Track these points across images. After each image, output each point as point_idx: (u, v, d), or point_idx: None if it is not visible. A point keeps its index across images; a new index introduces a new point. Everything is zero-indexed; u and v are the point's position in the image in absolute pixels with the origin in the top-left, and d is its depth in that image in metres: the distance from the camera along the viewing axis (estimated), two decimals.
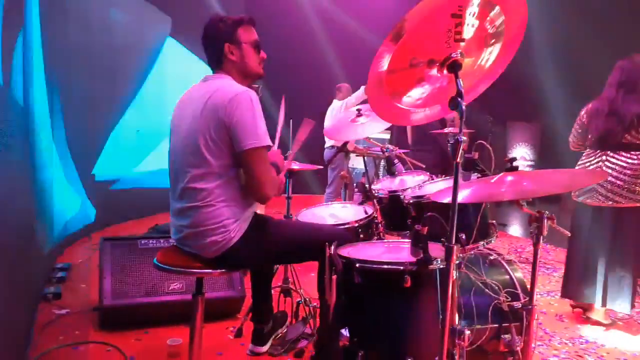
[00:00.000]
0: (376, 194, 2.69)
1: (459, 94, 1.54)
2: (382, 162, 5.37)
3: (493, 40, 1.65)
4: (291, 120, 3.34)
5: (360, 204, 2.81)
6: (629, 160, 3.14)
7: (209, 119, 1.99)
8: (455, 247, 1.55)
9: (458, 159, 1.52)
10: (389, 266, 1.77)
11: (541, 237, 1.72)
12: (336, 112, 5.83)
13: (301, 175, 7.87)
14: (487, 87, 1.80)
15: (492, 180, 1.85)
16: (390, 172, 2.75)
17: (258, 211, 2.23)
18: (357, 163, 7.08)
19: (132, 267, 3.03)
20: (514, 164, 1.83)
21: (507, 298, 2.18)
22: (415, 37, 1.54)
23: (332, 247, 1.92)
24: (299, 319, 2.97)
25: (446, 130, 3.35)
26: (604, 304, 3.25)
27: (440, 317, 1.58)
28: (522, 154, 7.90)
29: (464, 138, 1.51)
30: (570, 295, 3.41)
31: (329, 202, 3.44)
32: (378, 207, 2.70)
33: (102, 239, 3.13)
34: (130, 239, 3.19)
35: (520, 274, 2.36)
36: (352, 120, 2.78)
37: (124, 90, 6.15)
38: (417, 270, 1.72)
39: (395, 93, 1.73)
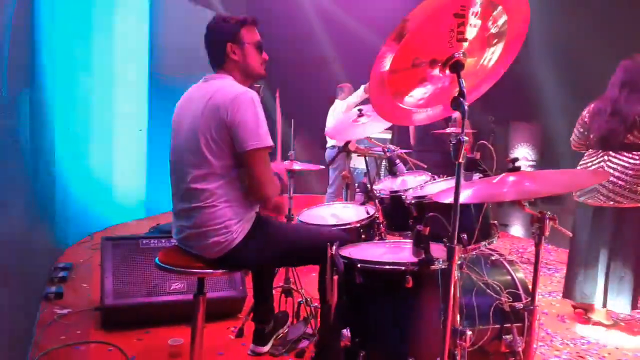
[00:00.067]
0: (378, 194, 2.69)
1: (462, 94, 1.54)
2: (384, 162, 5.37)
3: (495, 40, 1.65)
4: (293, 120, 3.33)
5: (362, 204, 2.80)
6: (631, 161, 3.13)
7: (210, 119, 1.99)
8: (457, 247, 1.55)
9: (460, 159, 1.52)
10: (391, 266, 1.77)
11: (543, 238, 1.72)
12: (337, 112, 5.83)
13: (302, 175, 7.87)
14: (489, 87, 1.80)
15: (494, 181, 1.84)
16: (392, 172, 2.75)
17: None
18: (358, 163, 7.07)
19: (134, 267, 3.03)
20: (516, 164, 1.83)
21: (509, 299, 2.17)
22: (417, 37, 1.54)
23: (334, 248, 1.92)
24: (300, 319, 2.97)
25: (448, 130, 3.34)
26: (604, 304, 3.25)
27: (442, 317, 1.58)
28: (523, 154, 7.90)
29: (466, 138, 1.51)
30: (572, 295, 3.41)
31: (331, 202, 3.44)
32: (380, 207, 2.70)
33: (104, 239, 3.13)
34: (132, 239, 3.19)
35: (521, 274, 2.35)
36: (354, 121, 2.78)
37: None
38: (419, 271, 1.71)
39: (397, 93, 1.73)
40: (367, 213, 2.66)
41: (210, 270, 2.06)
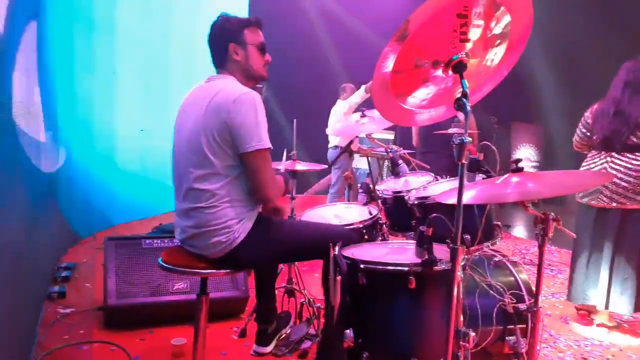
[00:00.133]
0: (380, 195, 2.69)
1: (464, 94, 1.54)
2: (386, 163, 5.36)
3: (498, 41, 1.64)
4: (295, 120, 3.33)
5: (365, 204, 2.80)
6: (634, 162, 3.12)
7: (211, 119, 1.99)
8: (460, 248, 1.55)
9: (463, 160, 1.51)
10: (394, 267, 1.77)
11: (546, 239, 1.71)
12: (339, 113, 5.83)
13: (305, 175, 7.88)
14: (492, 88, 1.80)
15: (498, 182, 1.84)
16: (395, 172, 2.75)
17: None
18: (360, 163, 7.08)
19: (137, 267, 3.03)
20: (519, 165, 1.82)
21: (512, 300, 2.17)
22: (420, 38, 1.54)
23: (337, 248, 1.92)
24: (303, 319, 2.97)
25: (451, 130, 3.33)
26: (606, 306, 3.24)
27: (445, 318, 1.57)
28: (526, 154, 7.89)
29: (469, 139, 1.51)
30: (575, 297, 3.40)
31: (333, 203, 3.44)
32: (382, 207, 2.70)
33: (107, 239, 3.14)
34: (135, 239, 3.20)
35: (525, 275, 2.35)
36: (357, 121, 2.79)
37: None
38: (422, 272, 1.71)
39: (400, 94, 1.73)
40: (370, 213, 2.66)
41: (213, 270, 2.06)
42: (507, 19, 1.58)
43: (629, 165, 3.13)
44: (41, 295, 3.29)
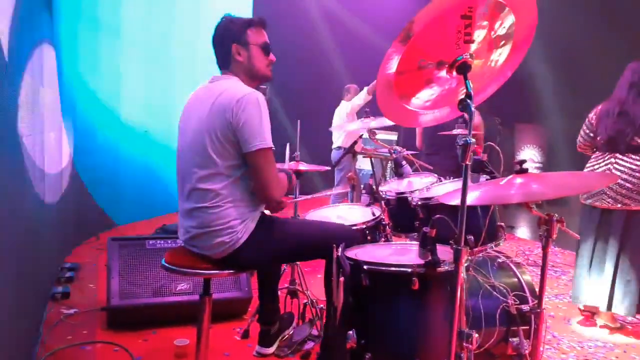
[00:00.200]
0: (384, 196, 2.68)
1: (468, 95, 1.54)
2: (390, 164, 5.35)
3: (503, 42, 1.64)
4: (299, 121, 3.34)
5: (368, 205, 2.80)
6: (638, 163, 3.11)
7: (215, 119, 2.00)
8: (463, 249, 1.54)
9: (467, 161, 1.51)
10: (397, 268, 1.77)
11: (550, 240, 1.71)
12: (342, 114, 5.84)
13: (308, 176, 7.88)
14: (496, 89, 1.79)
15: (502, 183, 1.84)
16: (398, 173, 2.75)
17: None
18: (364, 164, 7.08)
19: (140, 268, 3.04)
20: (523, 166, 1.82)
21: (516, 301, 2.17)
22: (424, 39, 1.54)
23: (340, 249, 1.92)
24: (306, 320, 2.97)
25: (454, 132, 3.33)
26: (609, 307, 3.23)
27: (448, 319, 1.57)
28: (530, 155, 7.86)
29: (473, 140, 1.50)
30: (578, 298, 3.39)
31: (336, 204, 3.44)
32: (385, 208, 2.69)
33: (110, 239, 3.14)
34: (138, 239, 3.21)
35: (528, 276, 2.34)
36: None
37: None
38: (425, 273, 1.71)
39: (403, 95, 1.73)
40: (373, 214, 2.66)
41: (217, 271, 2.06)
42: (511, 19, 1.58)
43: (633, 166, 3.12)
44: (45, 295, 3.30)
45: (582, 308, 3.44)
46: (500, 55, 1.68)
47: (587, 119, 3.37)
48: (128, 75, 5.92)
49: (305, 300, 2.98)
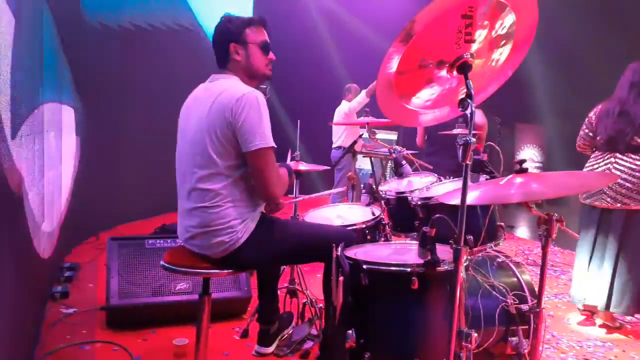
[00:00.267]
0: (383, 195, 2.68)
1: (469, 95, 1.54)
2: (390, 164, 5.36)
3: (503, 42, 1.64)
4: (299, 121, 3.34)
5: (368, 205, 2.80)
6: (638, 162, 3.11)
7: (215, 119, 1.99)
8: (463, 249, 1.54)
9: (467, 161, 1.51)
10: (397, 268, 1.77)
11: (550, 240, 1.71)
12: (341, 114, 5.84)
13: (308, 176, 7.88)
14: (497, 88, 1.79)
15: (501, 182, 1.84)
16: (398, 173, 2.75)
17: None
18: (363, 164, 7.08)
19: (139, 267, 3.04)
20: (523, 165, 1.82)
21: (515, 301, 2.17)
22: (424, 38, 1.54)
23: (339, 249, 1.92)
24: (305, 320, 2.97)
25: (454, 131, 3.33)
26: (607, 307, 3.23)
27: (448, 319, 1.57)
28: (530, 155, 7.86)
29: (473, 139, 1.50)
30: (577, 298, 3.39)
31: (336, 203, 3.44)
32: (385, 208, 2.69)
33: (110, 239, 3.14)
34: (138, 239, 3.20)
35: (528, 276, 2.34)
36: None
37: None
38: (425, 272, 1.71)
39: (404, 94, 1.73)
40: (373, 214, 2.66)
41: (216, 271, 2.06)
42: (512, 19, 1.58)
43: (633, 166, 3.12)
44: (44, 295, 3.30)
45: (582, 307, 3.44)
46: (501, 54, 1.68)
47: (587, 119, 3.37)
48: (129, 74, 5.92)
49: (304, 300, 2.98)
